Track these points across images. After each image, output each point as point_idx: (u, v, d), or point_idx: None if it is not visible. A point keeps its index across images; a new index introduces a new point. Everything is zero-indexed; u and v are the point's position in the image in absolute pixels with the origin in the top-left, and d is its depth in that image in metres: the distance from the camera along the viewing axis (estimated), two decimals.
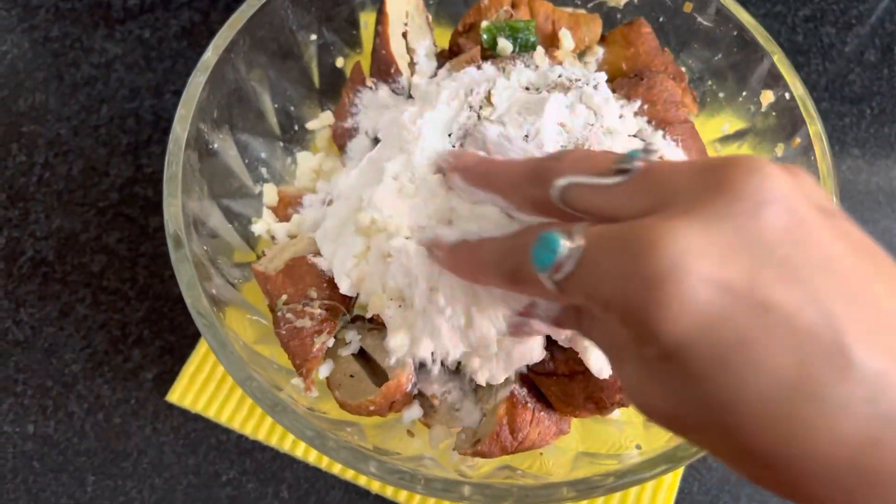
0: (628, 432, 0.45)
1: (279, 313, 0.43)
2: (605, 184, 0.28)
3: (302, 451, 0.52)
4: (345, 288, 0.41)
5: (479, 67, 0.47)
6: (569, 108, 0.43)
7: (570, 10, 0.53)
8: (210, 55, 0.45)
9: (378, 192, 0.41)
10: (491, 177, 0.36)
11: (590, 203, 0.28)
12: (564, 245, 0.26)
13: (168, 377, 0.55)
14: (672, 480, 0.52)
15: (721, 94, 0.54)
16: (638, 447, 0.43)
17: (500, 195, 0.35)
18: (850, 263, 0.23)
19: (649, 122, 0.48)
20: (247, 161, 0.49)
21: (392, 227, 0.39)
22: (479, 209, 0.38)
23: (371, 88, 0.52)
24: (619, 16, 0.55)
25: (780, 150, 0.50)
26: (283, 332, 0.42)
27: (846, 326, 0.21)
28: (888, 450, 0.21)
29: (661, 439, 0.42)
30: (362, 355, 0.44)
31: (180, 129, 0.43)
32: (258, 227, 0.48)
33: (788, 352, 0.21)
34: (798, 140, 0.48)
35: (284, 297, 0.43)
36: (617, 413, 0.45)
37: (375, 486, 0.51)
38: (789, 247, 0.22)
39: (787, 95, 0.49)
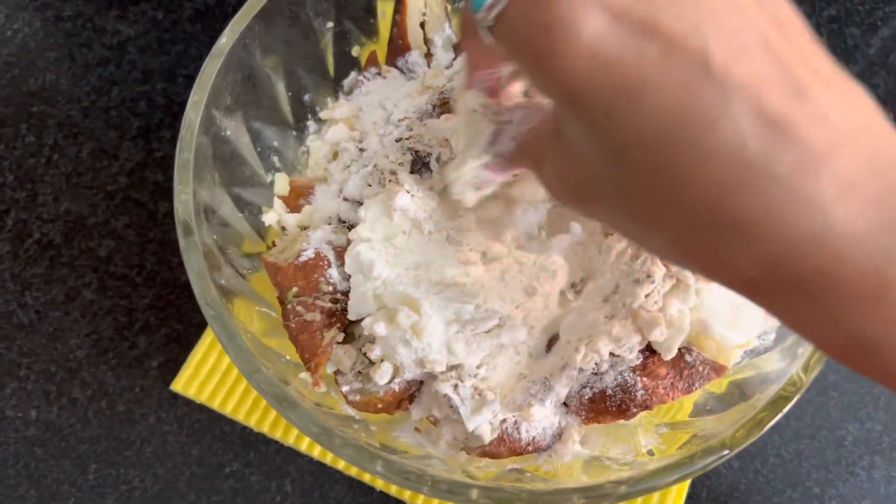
0: (640, 437, 0.44)
1: (289, 306, 0.42)
2: None
3: (306, 445, 0.51)
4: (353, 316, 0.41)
5: None
6: None
7: None
8: (225, 41, 0.44)
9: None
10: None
11: None
12: None
13: (173, 366, 0.54)
14: (680, 487, 0.51)
15: None
16: (651, 453, 0.42)
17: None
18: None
19: None
20: (259, 149, 0.49)
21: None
22: None
23: (384, 78, 0.51)
24: None
25: None
26: (293, 326, 0.41)
27: (716, 46, 0.22)
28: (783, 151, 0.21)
29: (675, 445, 0.41)
30: None
31: (193, 115, 0.42)
32: (269, 217, 0.47)
33: (678, 80, 0.21)
34: None
35: (295, 289, 0.42)
36: None
37: (380, 483, 0.51)
38: None
39: None
